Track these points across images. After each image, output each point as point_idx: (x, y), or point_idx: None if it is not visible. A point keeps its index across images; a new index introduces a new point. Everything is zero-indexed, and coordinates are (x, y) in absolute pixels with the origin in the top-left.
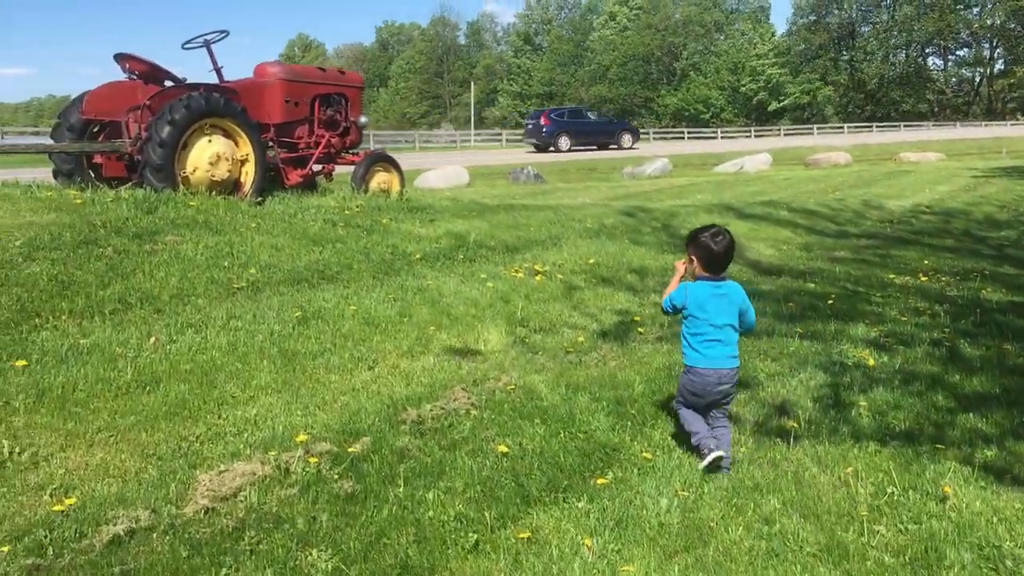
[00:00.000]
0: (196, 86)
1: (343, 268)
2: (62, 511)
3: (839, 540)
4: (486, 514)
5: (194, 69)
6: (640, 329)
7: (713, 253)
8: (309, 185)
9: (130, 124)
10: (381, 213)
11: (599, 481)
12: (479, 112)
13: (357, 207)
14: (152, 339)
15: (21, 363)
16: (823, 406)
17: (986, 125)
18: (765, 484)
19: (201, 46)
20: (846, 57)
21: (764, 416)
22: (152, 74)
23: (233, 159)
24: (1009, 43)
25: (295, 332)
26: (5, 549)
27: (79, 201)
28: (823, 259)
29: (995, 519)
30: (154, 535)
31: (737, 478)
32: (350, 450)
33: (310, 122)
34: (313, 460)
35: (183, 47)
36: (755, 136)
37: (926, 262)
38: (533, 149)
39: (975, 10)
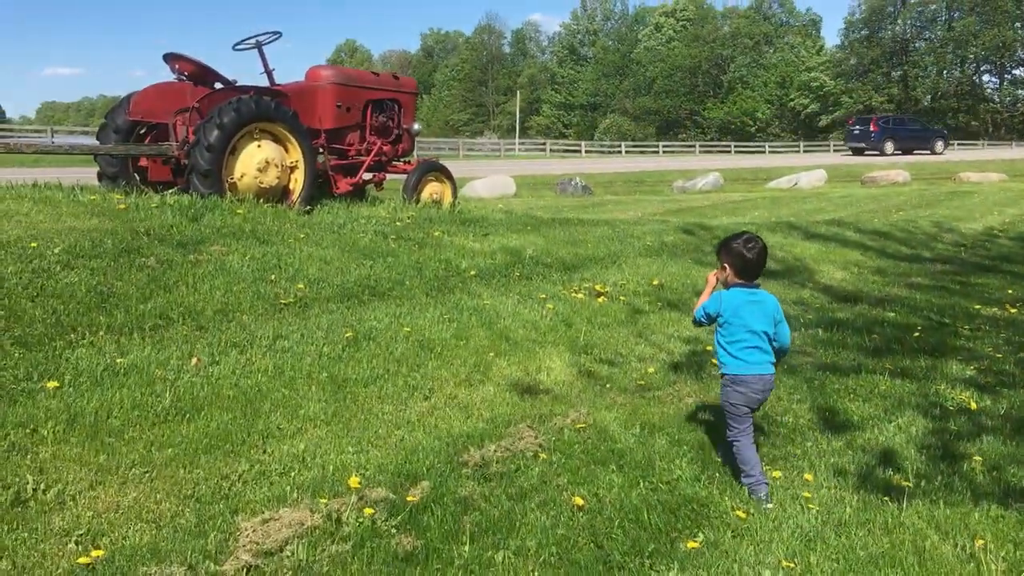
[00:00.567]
0: (246, 89)
1: (395, 284)
2: (88, 564)
3: None
4: None
5: (245, 71)
6: (714, 360)
7: (747, 260)
8: (358, 194)
9: (177, 127)
10: (433, 225)
11: (689, 545)
12: (523, 121)
13: (408, 218)
14: (194, 360)
15: (53, 384)
16: (930, 458)
17: None
18: (880, 555)
19: (253, 47)
20: (898, 73)
21: (866, 467)
22: (201, 75)
23: (282, 165)
24: None
25: (345, 355)
26: None
27: (123, 206)
28: (900, 285)
29: None
30: None
31: (847, 545)
32: (408, 498)
33: (362, 128)
34: (368, 511)
35: (234, 48)
36: (804, 151)
37: (1010, 291)
38: (850, 152)
39: None
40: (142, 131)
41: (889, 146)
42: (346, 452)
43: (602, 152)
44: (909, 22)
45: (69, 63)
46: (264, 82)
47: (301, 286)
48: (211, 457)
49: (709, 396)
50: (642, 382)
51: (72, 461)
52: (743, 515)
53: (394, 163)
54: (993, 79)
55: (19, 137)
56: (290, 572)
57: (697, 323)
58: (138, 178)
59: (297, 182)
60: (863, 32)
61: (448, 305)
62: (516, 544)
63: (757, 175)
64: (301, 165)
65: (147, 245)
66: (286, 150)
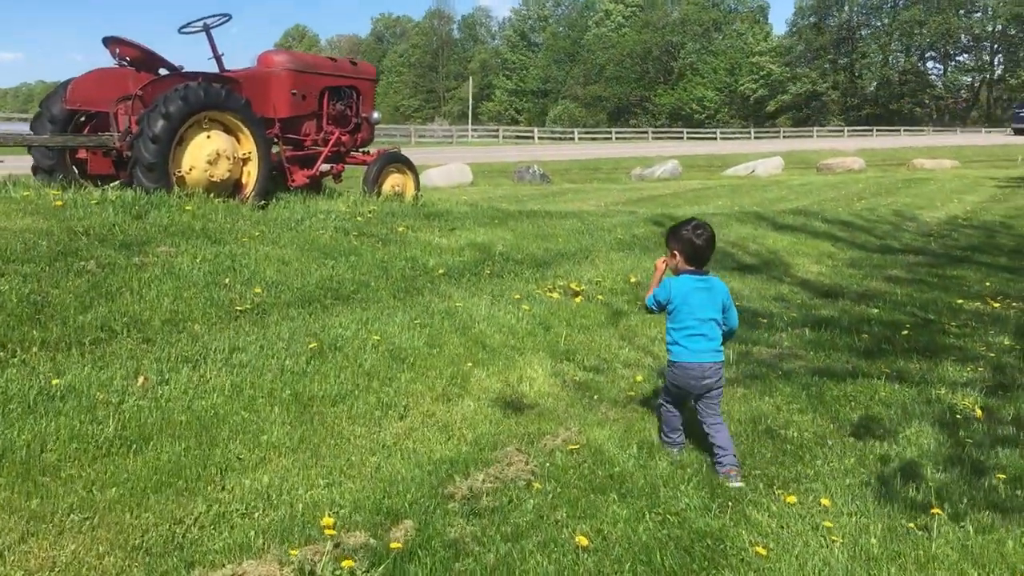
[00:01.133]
0: (194, 75)
1: (359, 286)
2: None
3: None
4: None
5: (192, 56)
6: None
7: (696, 247)
8: (315, 187)
9: (119, 116)
10: (396, 220)
11: None
12: (474, 107)
13: (370, 213)
14: (140, 379)
15: None
16: (948, 474)
17: (987, 131)
18: None
19: (200, 31)
20: (845, 60)
21: (884, 488)
22: (145, 61)
23: (234, 157)
24: (1010, 49)
25: (310, 368)
26: None
27: (59, 203)
28: (877, 278)
29: None
30: None
31: None
32: (392, 545)
33: (318, 117)
34: (347, 563)
35: (180, 31)
36: (755, 138)
37: (988, 284)
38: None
39: (976, 15)
40: (81, 120)
41: None
42: (316, 486)
43: (554, 139)
44: (856, 9)
45: (8, 47)
46: (213, 68)
47: (258, 290)
48: (162, 497)
49: None
50: (632, 392)
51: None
52: (763, 551)
53: (353, 154)
54: (937, 66)
55: None
56: None
57: (648, 311)
58: (77, 172)
59: (250, 175)
60: (811, 19)
61: (418, 308)
62: None
63: (712, 162)
64: (254, 157)
65: (86, 247)
66: (238, 141)
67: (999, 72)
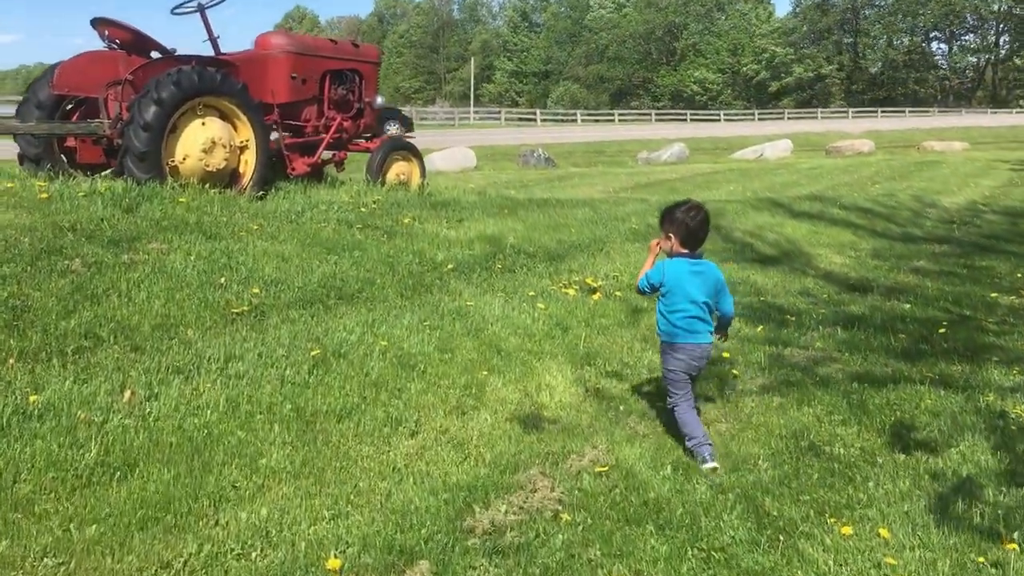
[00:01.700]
0: (188, 59)
1: (364, 284)
2: None
3: None
4: None
5: (185, 39)
6: (735, 371)
7: (690, 229)
8: (317, 175)
9: (109, 102)
10: (402, 211)
11: None
12: (475, 89)
13: (374, 203)
14: (127, 394)
15: None
16: (1014, 497)
17: (992, 112)
18: None
19: (195, 11)
20: (849, 41)
21: (945, 515)
22: (136, 43)
23: (231, 145)
24: (1016, 28)
25: (312, 379)
26: None
27: (45, 196)
28: (904, 270)
29: None
30: None
31: None
32: None
33: (319, 102)
34: None
35: (173, 12)
36: (759, 119)
37: (1020, 275)
38: None
39: None
40: (69, 107)
41: None
42: (321, 518)
43: (557, 120)
44: None
45: (7, 29)
46: (208, 51)
47: (256, 290)
48: (147, 535)
49: (741, 421)
50: (660, 402)
51: None
52: None
53: (356, 140)
54: (942, 46)
55: None
56: None
57: (640, 292)
58: (65, 160)
59: (248, 164)
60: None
61: (427, 308)
62: None
63: (717, 145)
64: (252, 145)
65: (72, 244)
66: (235, 128)
67: (1004, 52)
